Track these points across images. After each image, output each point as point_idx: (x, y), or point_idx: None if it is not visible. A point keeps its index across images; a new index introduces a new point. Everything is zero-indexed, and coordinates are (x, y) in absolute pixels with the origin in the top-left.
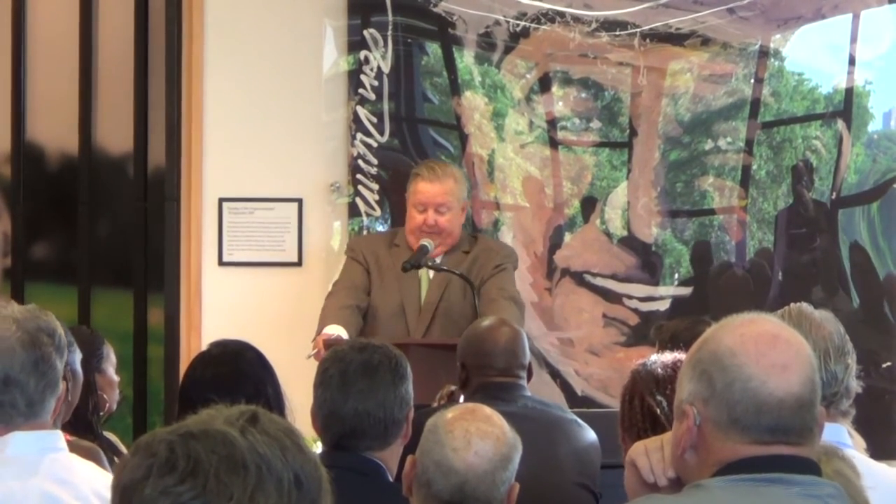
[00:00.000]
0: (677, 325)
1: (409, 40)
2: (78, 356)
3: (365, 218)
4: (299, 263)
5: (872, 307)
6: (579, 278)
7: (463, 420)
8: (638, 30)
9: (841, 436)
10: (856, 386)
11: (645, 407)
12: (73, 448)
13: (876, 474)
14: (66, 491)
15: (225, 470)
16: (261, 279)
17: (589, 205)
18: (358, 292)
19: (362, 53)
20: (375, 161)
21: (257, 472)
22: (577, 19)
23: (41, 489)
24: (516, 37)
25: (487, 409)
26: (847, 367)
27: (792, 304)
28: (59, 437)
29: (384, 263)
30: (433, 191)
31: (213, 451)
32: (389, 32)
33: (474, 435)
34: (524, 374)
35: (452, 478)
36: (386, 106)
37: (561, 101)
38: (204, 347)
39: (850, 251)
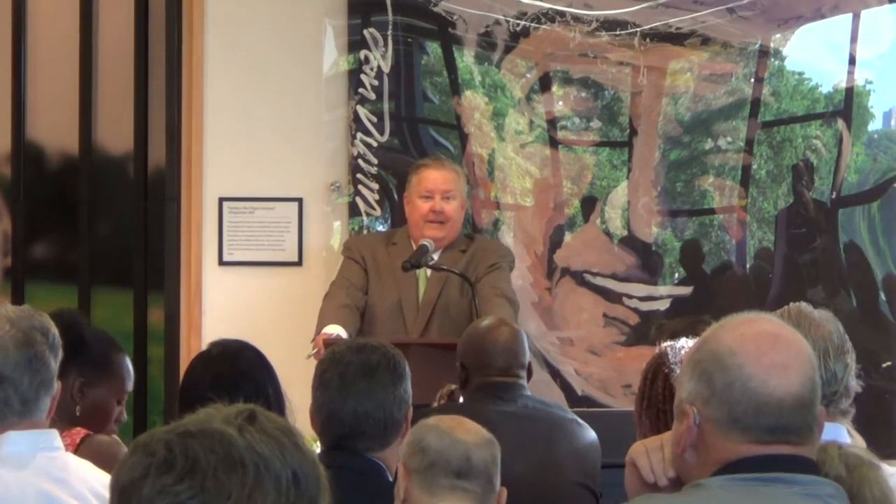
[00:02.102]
0: (677, 325)
1: (410, 40)
2: None
3: (365, 218)
4: (299, 263)
5: (872, 307)
6: (579, 278)
7: (448, 417)
8: (638, 29)
9: (840, 435)
10: (855, 385)
11: (667, 387)
12: (92, 442)
13: None
14: (63, 489)
15: (223, 469)
16: (261, 279)
17: (589, 204)
18: (355, 291)
19: (362, 53)
20: (375, 161)
21: (255, 471)
22: (577, 19)
23: (37, 487)
24: (516, 36)
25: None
26: (846, 366)
27: (791, 304)
28: (56, 437)
29: (382, 262)
30: (440, 177)
31: (212, 450)
32: (389, 32)
33: (463, 421)
34: (524, 373)
35: (459, 446)
36: (386, 105)
37: (561, 101)
38: (204, 347)
39: (845, 250)
